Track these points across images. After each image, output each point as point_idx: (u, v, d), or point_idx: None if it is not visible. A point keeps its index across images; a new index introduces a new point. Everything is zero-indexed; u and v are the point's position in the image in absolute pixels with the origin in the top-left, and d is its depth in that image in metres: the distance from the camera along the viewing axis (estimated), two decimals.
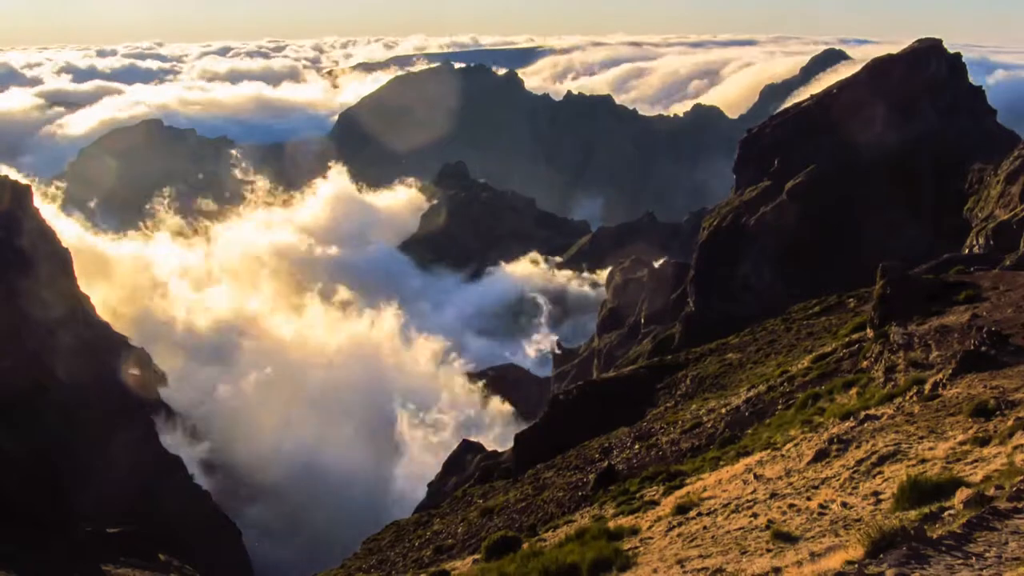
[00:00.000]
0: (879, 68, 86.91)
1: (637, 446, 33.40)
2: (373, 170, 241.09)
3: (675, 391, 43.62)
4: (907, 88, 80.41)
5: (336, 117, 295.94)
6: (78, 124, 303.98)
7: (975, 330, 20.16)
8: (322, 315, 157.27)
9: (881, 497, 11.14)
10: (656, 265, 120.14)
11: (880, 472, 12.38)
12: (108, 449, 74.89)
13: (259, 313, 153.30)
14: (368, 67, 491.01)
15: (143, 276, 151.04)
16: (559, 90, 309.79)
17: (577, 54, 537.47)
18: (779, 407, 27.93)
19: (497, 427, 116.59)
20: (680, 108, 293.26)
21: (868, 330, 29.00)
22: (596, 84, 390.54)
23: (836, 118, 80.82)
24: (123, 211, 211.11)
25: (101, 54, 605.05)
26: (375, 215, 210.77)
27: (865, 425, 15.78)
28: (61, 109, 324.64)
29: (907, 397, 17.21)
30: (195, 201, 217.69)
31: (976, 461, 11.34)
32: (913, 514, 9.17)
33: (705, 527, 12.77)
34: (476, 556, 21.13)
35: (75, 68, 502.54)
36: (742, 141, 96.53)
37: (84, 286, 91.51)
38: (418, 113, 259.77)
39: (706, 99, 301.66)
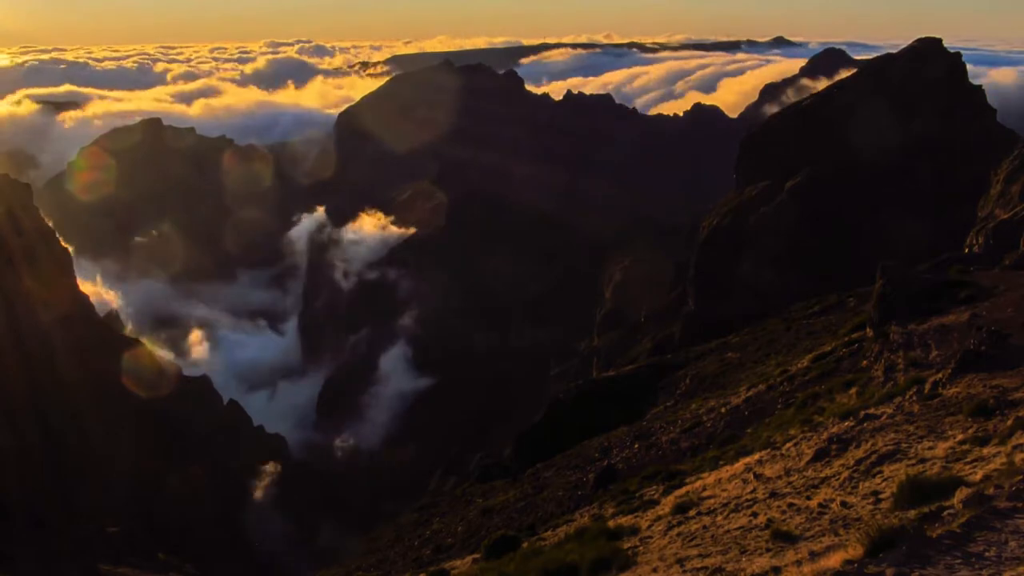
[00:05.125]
0: (879, 68, 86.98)
1: (637, 445, 33.41)
2: (373, 170, 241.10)
3: (675, 390, 43.66)
4: (907, 88, 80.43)
5: (336, 117, 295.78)
6: (78, 124, 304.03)
7: (975, 330, 20.13)
8: None
9: (881, 496, 11.13)
10: (656, 265, 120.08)
11: (880, 471, 12.37)
12: (108, 449, 74.89)
13: None
14: (368, 66, 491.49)
15: None
16: (559, 90, 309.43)
17: (577, 54, 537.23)
18: (779, 406, 27.94)
19: None
20: (680, 108, 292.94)
21: (868, 329, 29.01)
22: (596, 84, 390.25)
23: (836, 118, 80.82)
24: (124, 210, 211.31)
25: (101, 55, 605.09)
26: None
27: (865, 424, 15.76)
28: (61, 109, 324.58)
29: (907, 396, 17.19)
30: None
31: (976, 460, 11.33)
32: (912, 513, 9.15)
33: (705, 526, 12.76)
34: (476, 555, 21.12)
35: (76, 68, 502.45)
36: (742, 141, 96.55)
37: None
38: (418, 113, 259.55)
39: (706, 99, 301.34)
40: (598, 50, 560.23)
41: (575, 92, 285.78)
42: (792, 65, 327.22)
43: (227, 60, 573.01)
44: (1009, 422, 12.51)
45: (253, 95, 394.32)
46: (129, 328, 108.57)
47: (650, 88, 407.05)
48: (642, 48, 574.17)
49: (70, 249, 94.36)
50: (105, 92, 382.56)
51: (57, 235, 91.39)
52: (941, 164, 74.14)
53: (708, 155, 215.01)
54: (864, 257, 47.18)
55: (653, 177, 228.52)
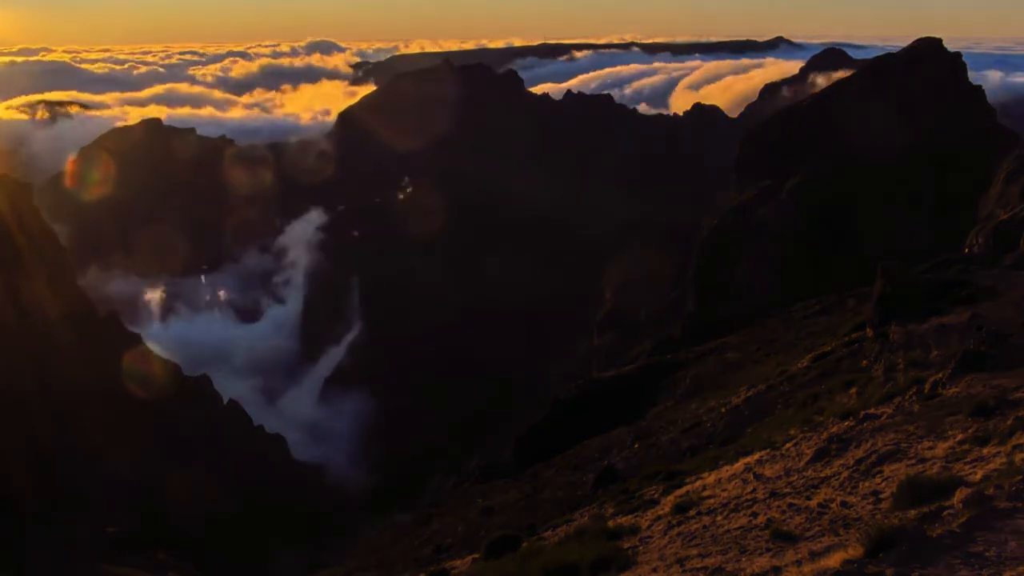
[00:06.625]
0: (879, 68, 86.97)
1: (637, 445, 33.43)
2: (373, 170, 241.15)
3: (675, 390, 43.69)
4: (907, 88, 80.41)
5: (335, 117, 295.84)
6: (78, 124, 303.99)
7: (975, 330, 20.16)
8: None
9: (881, 496, 11.13)
10: (656, 265, 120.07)
11: (880, 471, 12.37)
12: (108, 449, 74.90)
13: None
14: (367, 66, 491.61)
15: None
16: (559, 89, 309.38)
17: (577, 54, 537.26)
18: (779, 406, 27.94)
19: None
20: (680, 108, 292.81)
21: (868, 329, 29.03)
22: (596, 84, 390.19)
23: (836, 118, 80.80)
24: (124, 210, 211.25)
25: (103, 56, 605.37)
26: None
27: (865, 424, 15.76)
28: (62, 109, 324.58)
29: (907, 396, 17.20)
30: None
31: (976, 460, 11.33)
32: (912, 513, 9.16)
33: (705, 526, 12.76)
34: (476, 555, 21.10)
35: (77, 68, 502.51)
36: (742, 141, 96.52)
37: None
38: (418, 112, 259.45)
39: (706, 99, 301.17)
40: (598, 50, 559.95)
41: (575, 92, 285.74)
42: (792, 65, 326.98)
43: (227, 59, 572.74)
44: (1009, 422, 12.50)
45: (253, 95, 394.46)
46: (129, 327, 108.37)
47: (650, 88, 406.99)
48: (642, 48, 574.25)
49: (70, 249, 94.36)
50: (106, 92, 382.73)
51: (57, 235, 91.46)
52: (941, 164, 74.10)
53: (708, 155, 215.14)
54: (864, 257, 47.22)
55: (653, 177, 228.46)
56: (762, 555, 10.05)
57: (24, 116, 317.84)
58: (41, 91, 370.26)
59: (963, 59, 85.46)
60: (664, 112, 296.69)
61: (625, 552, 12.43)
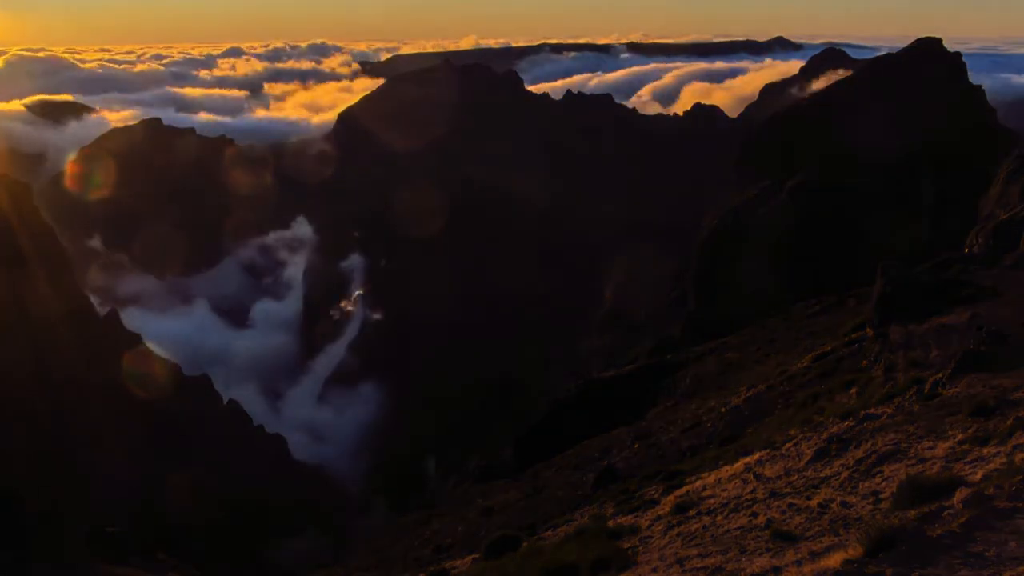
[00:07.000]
0: (879, 67, 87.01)
1: (637, 445, 33.41)
2: (372, 170, 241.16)
3: (675, 390, 43.67)
4: (907, 88, 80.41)
5: (335, 117, 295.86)
6: (78, 124, 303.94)
7: (975, 330, 20.17)
8: None
9: (881, 496, 11.14)
10: (656, 265, 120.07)
11: (880, 471, 12.37)
12: (108, 448, 74.91)
13: None
14: (368, 67, 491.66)
15: None
16: (559, 89, 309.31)
17: (577, 54, 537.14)
18: (779, 406, 27.94)
19: None
20: (680, 108, 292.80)
21: (868, 329, 29.03)
22: (596, 84, 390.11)
23: (836, 118, 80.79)
24: (124, 210, 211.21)
25: (101, 56, 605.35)
26: None
27: (865, 424, 15.76)
28: (61, 109, 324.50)
29: (907, 396, 17.20)
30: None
31: (976, 460, 11.33)
32: (912, 513, 9.16)
33: (705, 526, 12.76)
34: (476, 555, 21.10)
35: (76, 68, 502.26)
36: (742, 141, 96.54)
37: None
38: (417, 113, 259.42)
39: (706, 99, 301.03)
40: (597, 50, 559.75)
41: (575, 92, 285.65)
42: (792, 65, 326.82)
43: (227, 59, 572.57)
44: (1009, 422, 12.50)
45: (253, 95, 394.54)
46: (129, 327, 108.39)
47: (650, 88, 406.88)
48: (642, 48, 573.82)
49: (70, 249, 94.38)
50: (106, 92, 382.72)
51: (57, 235, 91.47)
52: (941, 164, 74.10)
53: (708, 155, 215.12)
54: (864, 257, 47.14)
55: (653, 177, 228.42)
56: (762, 555, 10.05)
57: (24, 115, 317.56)
58: (41, 91, 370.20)
59: (963, 57, 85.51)
60: (664, 112, 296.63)
61: (625, 552, 12.44)
